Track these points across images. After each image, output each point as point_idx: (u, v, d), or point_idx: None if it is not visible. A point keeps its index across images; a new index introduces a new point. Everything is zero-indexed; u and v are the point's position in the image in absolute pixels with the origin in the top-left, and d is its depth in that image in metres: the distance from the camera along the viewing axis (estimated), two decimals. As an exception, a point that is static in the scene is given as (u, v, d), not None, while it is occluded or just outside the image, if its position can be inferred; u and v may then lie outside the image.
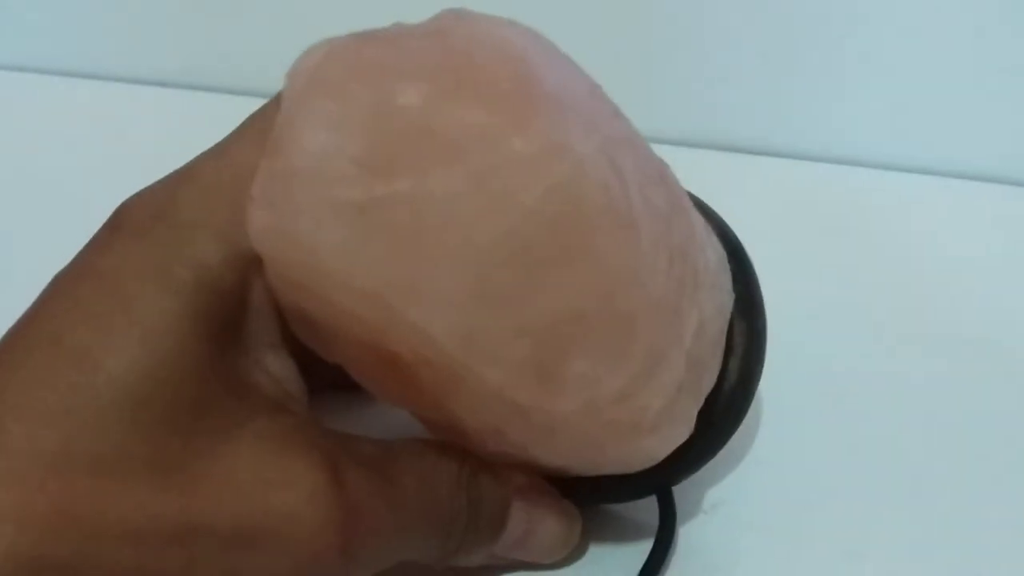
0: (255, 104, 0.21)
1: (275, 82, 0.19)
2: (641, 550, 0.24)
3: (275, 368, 0.21)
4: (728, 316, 0.23)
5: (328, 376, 0.22)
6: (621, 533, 0.25)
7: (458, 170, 0.17)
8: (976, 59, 0.37)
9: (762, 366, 0.25)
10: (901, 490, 0.27)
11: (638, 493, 0.25)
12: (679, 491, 0.25)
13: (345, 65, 0.18)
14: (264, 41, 0.38)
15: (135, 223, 0.19)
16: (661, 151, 0.22)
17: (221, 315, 0.19)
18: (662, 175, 0.21)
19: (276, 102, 0.21)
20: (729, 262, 0.24)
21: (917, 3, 0.36)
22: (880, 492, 0.27)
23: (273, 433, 0.19)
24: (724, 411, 0.24)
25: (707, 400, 0.23)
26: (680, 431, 0.23)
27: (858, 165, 0.40)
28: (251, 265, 0.20)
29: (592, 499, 0.25)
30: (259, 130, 0.20)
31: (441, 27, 0.19)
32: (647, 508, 0.25)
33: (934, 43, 0.37)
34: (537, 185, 0.18)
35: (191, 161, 0.21)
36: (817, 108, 0.40)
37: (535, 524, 0.23)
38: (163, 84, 0.45)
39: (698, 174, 0.25)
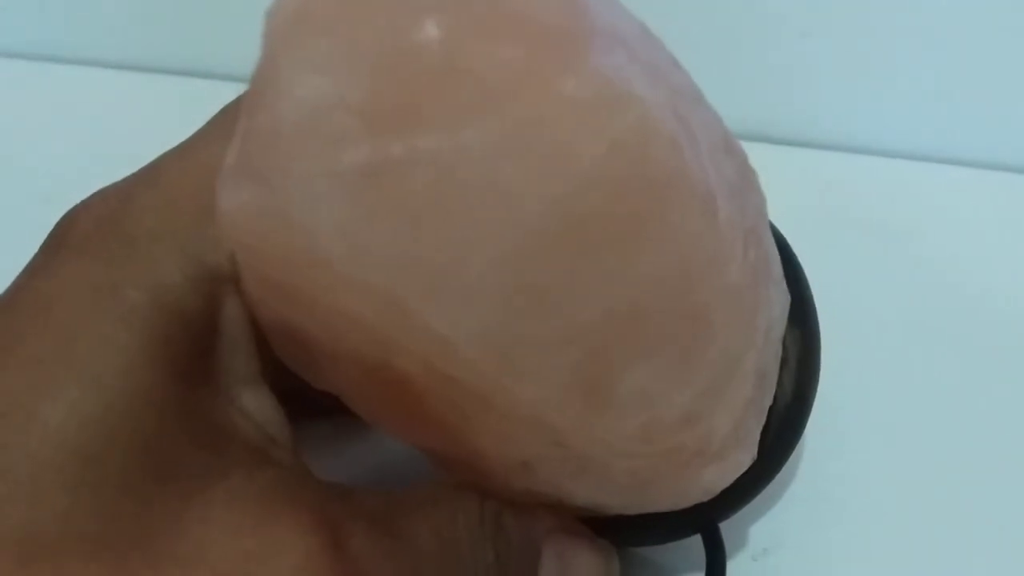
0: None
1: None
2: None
3: (254, 408, 0.18)
4: (786, 318, 0.20)
5: (312, 403, 0.18)
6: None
7: (495, 122, 0.13)
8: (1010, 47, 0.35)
9: (817, 379, 0.22)
10: (974, 531, 0.24)
11: (680, 532, 0.21)
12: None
13: None
14: (248, 24, 0.35)
15: (82, 237, 0.16)
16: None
17: (186, 345, 0.16)
18: (728, 141, 0.17)
19: None
20: None
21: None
22: (950, 536, 0.24)
23: (252, 491, 0.16)
24: (778, 432, 0.21)
25: None
26: (744, 458, 0.19)
27: (882, 155, 0.37)
28: (220, 283, 0.17)
29: (627, 540, 0.21)
30: (228, 126, 0.16)
31: None
32: (688, 550, 0.21)
33: (967, 26, 0.35)
34: (596, 140, 0.14)
35: (151, 162, 0.18)
36: (837, 96, 0.37)
37: (568, 571, 0.20)
38: (140, 69, 0.42)
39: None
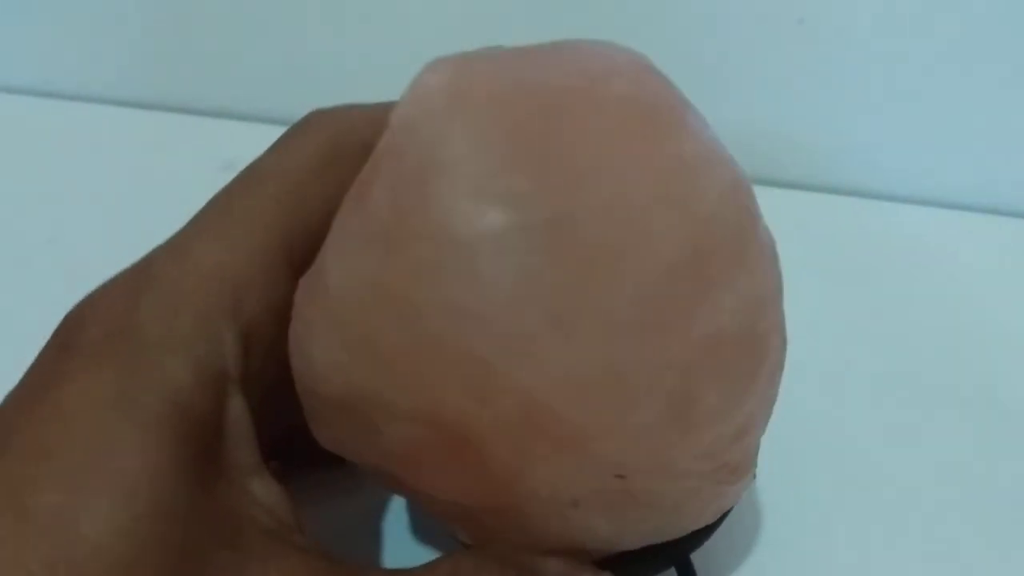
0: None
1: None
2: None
3: (263, 495, 0.18)
4: None
5: (299, 456, 0.20)
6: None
7: (646, 177, 0.16)
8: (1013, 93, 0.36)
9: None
10: (948, 557, 0.25)
11: (655, 566, 0.22)
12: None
13: (486, 78, 0.16)
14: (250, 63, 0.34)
15: (92, 343, 0.17)
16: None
17: (200, 445, 0.17)
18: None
19: (241, 187, 0.19)
20: None
21: (953, 35, 0.35)
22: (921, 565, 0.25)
23: None
24: None
25: None
26: (750, 475, 0.21)
27: (884, 199, 0.38)
28: (225, 382, 0.18)
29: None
30: (219, 224, 0.18)
31: (543, 47, 0.18)
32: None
33: (972, 72, 0.36)
34: (711, 189, 0.16)
35: (146, 260, 0.18)
36: (841, 139, 0.38)
37: None
38: (144, 107, 0.40)
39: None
